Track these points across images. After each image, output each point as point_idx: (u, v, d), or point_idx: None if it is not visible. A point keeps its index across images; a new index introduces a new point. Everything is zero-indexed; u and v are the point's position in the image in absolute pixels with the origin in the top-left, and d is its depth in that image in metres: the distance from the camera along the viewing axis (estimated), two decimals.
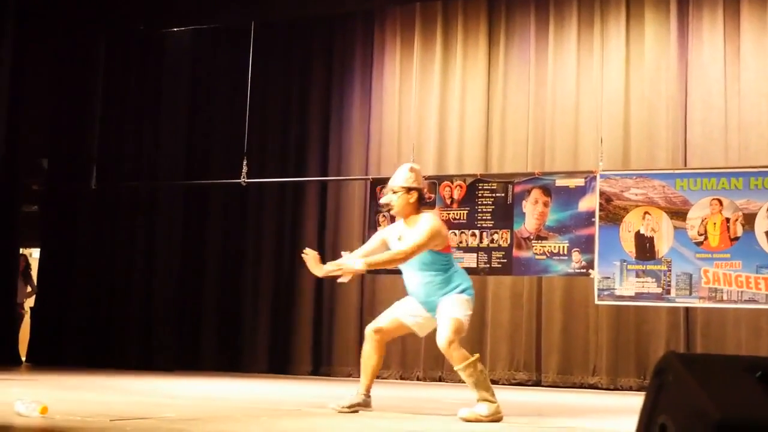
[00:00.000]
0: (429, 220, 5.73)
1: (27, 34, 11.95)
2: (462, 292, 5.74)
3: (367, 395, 5.80)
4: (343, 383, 10.18)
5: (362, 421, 5.19)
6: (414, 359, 11.11)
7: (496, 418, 5.51)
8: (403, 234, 5.80)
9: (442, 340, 5.58)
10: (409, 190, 5.75)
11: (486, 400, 5.54)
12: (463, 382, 5.67)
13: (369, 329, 5.89)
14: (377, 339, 5.84)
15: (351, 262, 5.71)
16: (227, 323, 12.00)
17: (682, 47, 10.51)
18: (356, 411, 5.68)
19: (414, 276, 5.81)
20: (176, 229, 12.27)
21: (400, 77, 11.68)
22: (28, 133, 12.46)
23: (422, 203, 5.91)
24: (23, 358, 12.45)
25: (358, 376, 10.77)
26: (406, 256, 5.63)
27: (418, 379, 11.01)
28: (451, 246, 6.04)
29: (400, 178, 5.80)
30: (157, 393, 6.88)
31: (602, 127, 10.49)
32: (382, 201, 5.93)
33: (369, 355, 5.84)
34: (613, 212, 9.74)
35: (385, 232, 6.01)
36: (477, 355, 5.64)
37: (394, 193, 5.78)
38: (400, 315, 5.92)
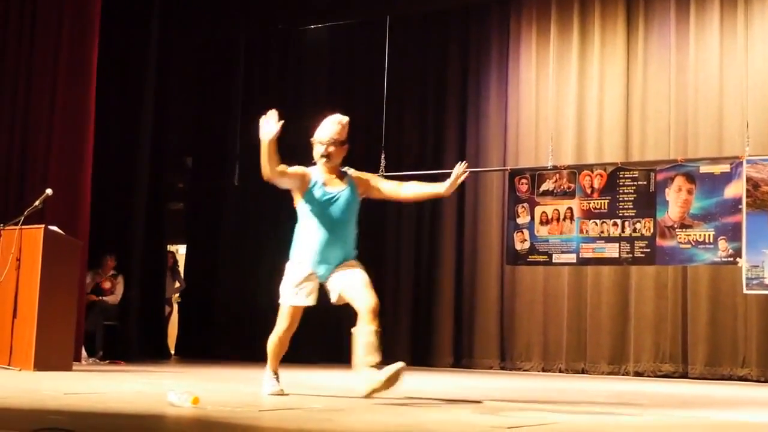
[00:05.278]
0: None
1: (170, 35, 12.31)
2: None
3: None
4: (484, 375, 10.15)
5: (491, 418, 5.16)
6: (556, 351, 11.02)
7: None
8: (327, 181, 5.79)
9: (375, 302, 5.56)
10: (343, 143, 5.85)
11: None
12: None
13: None
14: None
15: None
16: None
17: None
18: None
19: (347, 227, 5.79)
20: None
21: (537, 66, 11.55)
22: (172, 133, 12.84)
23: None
24: (172, 351, 12.86)
25: (500, 369, 10.70)
26: None
27: (560, 371, 10.90)
28: None
29: (335, 131, 5.91)
30: (302, 385, 6.99)
31: (748, 110, 10.17)
32: (321, 153, 5.83)
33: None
34: (761, 198, 9.44)
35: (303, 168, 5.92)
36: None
37: (333, 145, 5.82)
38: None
